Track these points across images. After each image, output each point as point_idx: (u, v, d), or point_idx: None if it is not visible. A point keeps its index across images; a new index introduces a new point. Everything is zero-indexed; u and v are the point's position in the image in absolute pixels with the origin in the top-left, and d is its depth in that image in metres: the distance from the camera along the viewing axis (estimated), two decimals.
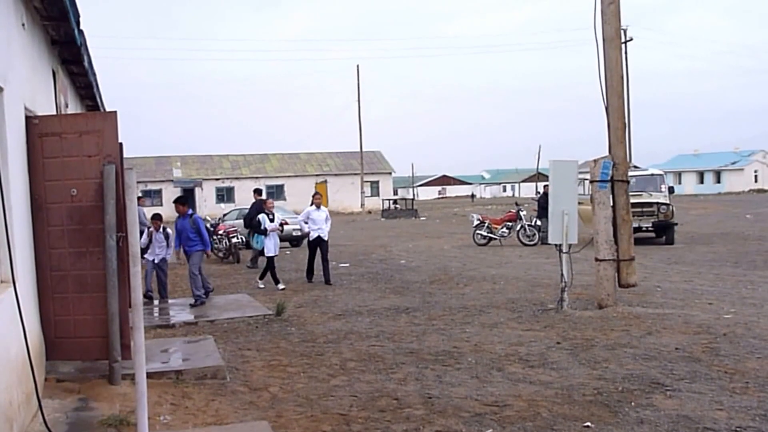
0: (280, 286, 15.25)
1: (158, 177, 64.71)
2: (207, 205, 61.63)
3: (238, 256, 21.70)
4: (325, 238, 16.01)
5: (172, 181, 65.78)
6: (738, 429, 5.77)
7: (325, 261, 16.01)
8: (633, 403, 6.55)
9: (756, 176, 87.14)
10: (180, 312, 12.16)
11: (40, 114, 7.76)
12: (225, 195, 65.57)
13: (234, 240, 21.77)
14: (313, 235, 15.99)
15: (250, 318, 11.58)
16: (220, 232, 22.53)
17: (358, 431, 6.12)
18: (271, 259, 15.58)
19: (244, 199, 58.62)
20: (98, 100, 14.86)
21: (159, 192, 64.08)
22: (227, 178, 67.96)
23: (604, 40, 11.38)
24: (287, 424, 6.33)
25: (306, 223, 16.21)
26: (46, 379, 7.05)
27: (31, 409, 6.20)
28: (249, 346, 9.64)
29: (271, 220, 15.83)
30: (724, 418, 6.05)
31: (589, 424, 6.04)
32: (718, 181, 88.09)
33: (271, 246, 15.59)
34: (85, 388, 7.18)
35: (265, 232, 15.66)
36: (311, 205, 16.40)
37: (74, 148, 7.28)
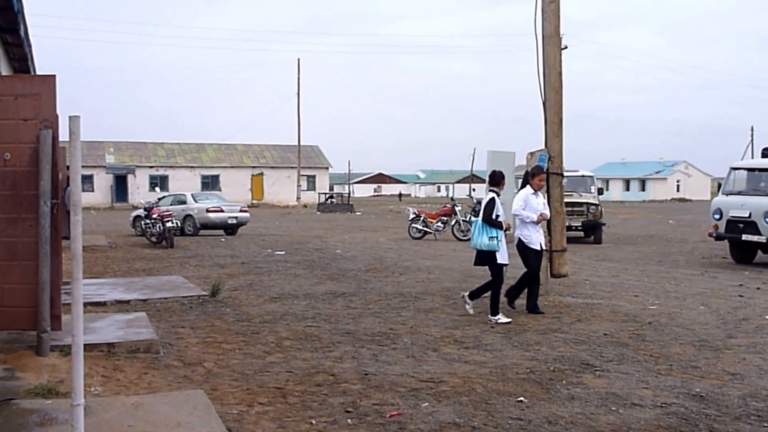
0: (501, 319, 9.54)
1: (90, 162, 62.79)
2: (140, 193, 60.46)
3: (172, 241, 21.37)
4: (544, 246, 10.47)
5: (104, 167, 64.31)
6: (663, 405, 6.04)
7: (531, 278, 10.28)
8: (564, 382, 6.74)
9: (678, 186, 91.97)
10: (112, 291, 11.93)
11: None
12: (159, 183, 64.50)
13: (168, 224, 21.45)
14: (535, 240, 10.17)
15: (184, 298, 11.41)
16: (154, 216, 22.17)
17: (294, 403, 6.10)
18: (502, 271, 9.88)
19: (178, 188, 57.88)
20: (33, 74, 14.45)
21: (90, 178, 62.46)
22: (161, 166, 66.85)
23: (543, 37, 11.62)
24: (223, 397, 6.28)
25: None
26: None
27: None
28: (183, 324, 9.51)
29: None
30: (650, 396, 6.32)
31: (522, 399, 6.18)
32: (643, 189, 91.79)
33: (504, 251, 9.77)
34: (12, 359, 6.97)
35: (501, 226, 9.69)
36: (524, 186, 10.48)
37: (10, 111, 7.05)
